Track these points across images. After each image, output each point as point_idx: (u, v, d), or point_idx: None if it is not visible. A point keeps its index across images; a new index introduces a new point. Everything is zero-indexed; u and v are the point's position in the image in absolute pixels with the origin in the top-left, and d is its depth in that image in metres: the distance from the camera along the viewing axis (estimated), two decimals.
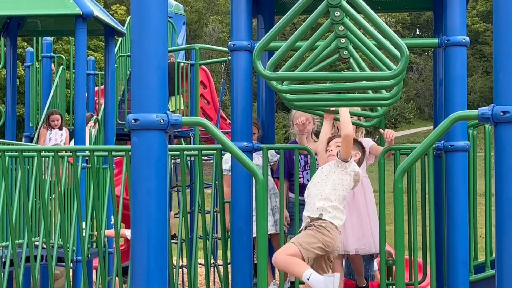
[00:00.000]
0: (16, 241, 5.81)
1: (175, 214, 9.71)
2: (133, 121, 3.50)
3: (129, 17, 12.04)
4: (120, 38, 11.49)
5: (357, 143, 5.12)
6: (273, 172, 6.01)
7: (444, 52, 5.21)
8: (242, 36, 5.17)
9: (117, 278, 5.64)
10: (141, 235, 3.55)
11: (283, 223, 5.65)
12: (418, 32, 64.74)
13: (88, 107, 10.51)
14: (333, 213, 4.74)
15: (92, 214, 6.69)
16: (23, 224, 6.30)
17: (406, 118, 55.79)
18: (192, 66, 11.30)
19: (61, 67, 11.65)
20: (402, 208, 3.90)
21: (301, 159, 5.83)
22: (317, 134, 6.16)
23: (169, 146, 4.24)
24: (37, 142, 10.30)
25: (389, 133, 5.41)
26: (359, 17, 4.04)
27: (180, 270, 9.38)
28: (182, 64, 11.46)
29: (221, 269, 5.65)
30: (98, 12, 8.65)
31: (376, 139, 5.74)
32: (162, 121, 3.50)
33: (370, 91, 4.97)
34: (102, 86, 10.38)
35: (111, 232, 7.50)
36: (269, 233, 5.55)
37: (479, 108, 3.54)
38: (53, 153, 5.77)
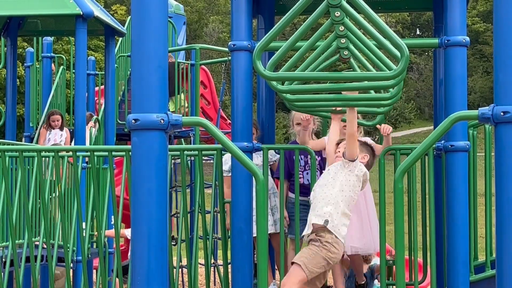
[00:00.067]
0: (16, 241, 5.81)
1: (173, 214, 9.70)
2: (133, 121, 3.50)
3: (129, 17, 12.04)
4: (120, 38, 11.49)
5: (366, 145, 5.04)
6: (273, 172, 6.01)
7: (444, 52, 5.21)
8: (242, 36, 5.17)
9: (117, 278, 5.65)
10: (142, 235, 3.54)
11: (283, 223, 5.65)
12: (418, 32, 64.73)
13: (88, 107, 10.50)
14: (339, 220, 4.63)
15: (92, 214, 6.69)
16: (23, 224, 6.30)
17: (406, 118, 55.79)
18: (192, 66, 11.30)
19: (61, 67, 11.65)
20: (402, 208, 3.89)
21: (301, 159, 5.83)
22: (317, 134, 6.16)
23: (169, 146, 4.24)
24: (37, 142, 10.30)
25: (386, 128, 5.40)
26: (359, 17, 4.04)
27: (180, 270, 9.38)
28: (182, 64, 11.46)
29: (221, 269, 5.66)
30: (98, 12, 8.64)
31: (376, 139, 5.73)
32: (162, 121, 3.50)
33: (372, 91, 4.95)
34: (102, 86, 10.38)
35: (111, 232, 7.50)
36: (268, 232, 5.55)
37: (479, 108, 3.54)
38: (53, 153, 5.78)
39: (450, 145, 5.15)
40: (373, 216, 5.51)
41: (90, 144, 9.15)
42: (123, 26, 9.94)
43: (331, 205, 4.65)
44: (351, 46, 4.41)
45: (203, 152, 5.48)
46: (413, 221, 5.56)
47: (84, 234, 6.42)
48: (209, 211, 5.71)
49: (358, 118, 5.43)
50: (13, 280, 6.81)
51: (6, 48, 9.58)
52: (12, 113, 9.59)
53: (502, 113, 3.41)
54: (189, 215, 6.57)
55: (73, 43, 10.19)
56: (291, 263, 4.70)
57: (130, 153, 4.22)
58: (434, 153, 5.40)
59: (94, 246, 7.90)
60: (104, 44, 9.53)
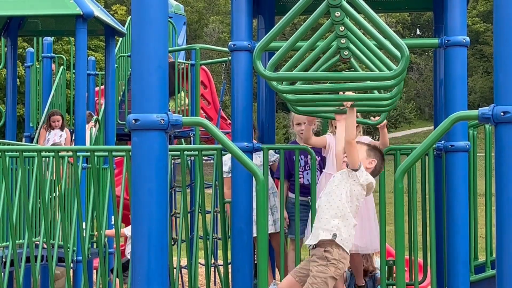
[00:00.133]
0: (17, 241, 5.81)
1: (173, 214, 9.70)
2: (133, 121, 3.50)
3: (129, 17, 12.04)
4: (121, 38, 11.49)
5: (374, 150, 4.86)
6: (273, 173, 6.01)
7: (445, 52, 5.21)
8: (242, 36, 5.17)
9: (117, 278, 5.65)
10: (142, 235, 3.55)
11: (283, 223, 5.65)
12: (418, 32, 64.74)
13: (89, 107, 10.50)
14: (347, 233, 4.53)
15: (93, 214, 6.69)
16: (24, 224, 6.30)
17: (406, 118, 55.81)
18: (193, 66, 11.31)
19: (62, 67, 11.65)
20: (403, 208, 3.89)
21: (301, 159, 5.83)
22: (317, 134, 6.16)
23: (170, 146, 4.24)
24: (37, 143, 10.30)
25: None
26: (360, 17, 4.04)
27: (180, 270, 9.38)
28: (182, 64, 11.47)
29: (222, 269, 5.66)
30: (99, 12, 8.65)
31: (376, 139, 5.73)
32: (162, 121, 3.50)
33: (376, 91, 4.94)
34: (103, 86, 10.39)
35: (111, 232, 7.50)
36: (268, 232, 5.55)
37: (479, 108, 3.54)
38: (53, 153, 5.78)
39: (450, 145, 5.15)
40: (373, 216, 5.51)
41: (90, 144, 9.15)
42: (123, 26, 9.95)
43: (338, 218, 4.53)
44: (352, 46, 4.41)
45: (203, 152, 5.48)
46: (413, 221, 5.56)
47: (84, 234, 6.43)
48: (209, 211, 5.71)
49: (357, 117, 5.43)
50: (13, 280, 6.81)
51: (6, 48, 9.59)
52: (12, 113, 9.59)
53: (502, 113, 3.41)
54: (189, 215, 6.57)
55: (73, 43, 10.20)
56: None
57: (130, 153, 4.22)
58: (434, 153, 5.40)
59: (94, 246, 7.91)
60: (104, 44, 9.54)
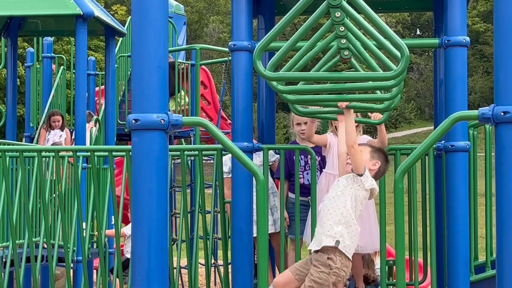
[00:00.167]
0: (17, 241, 5.82)
1: (172, 214, 9.71)
2: (133, 121, 3.50)
3: (129, 17, 12.04)
4: (121, 39, 11.49)
5: (379, 152, 4.82)
6: (272, 173, 6.01)
7: (445, 52, 5.21)
8: (242, 37, 5.17)
9: (117, 278, 5.65)
10: (142, 235, 3.55)
11: (283, 223, 5.65)
12: (418, 32, 64.74)
13: (89, 108, 10.51)
14: (350, 240, 4.50)
15: (93, 214, 6.69)
16: (24, 224, 6.30)
17: (406, 118, 55.83)
18: (193, 66, 11.31)
19: (62, 67, 11.65)
20: (403, 208, 3.89)
21: (301, 159, 5.83)
22: (317, 134, 6.15)
23: (170, 146, 4.24)
24: (37, 143, 10.31)
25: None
26: (360, 17, 4.04)
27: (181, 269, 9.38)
28: (182, 64, 11.47)
29: (222, 269, 5.66)
30: (99, 12, 8.65)
31: (375, 137, 5.73)
32: (162, 121, 3.50)
33: (378, 91, 4.93)
34: (103, 86, 10.39)
35: (111, 231, 7.51)
36: (268, 232, 5.55)
37: (479, 108, 3.54)
38: (53, 153, 5.78)
39: (450, 145, 5.15)
40: (373, 216, 5.51)
41: (90, 144, 9.15)
42: (124, 26, 9.95)
43: (342, 224, 4.50)
44: (352, 47, 4.41)
45: (203, 152, 5.48)
46: (413, 221, 5.56)
47: (84, 234, 6.43)
48: (209, 211, 5.71)
49: (357, 117, 5.43)
50: (13, 280, 6.81)
51: (6, 48, 9.59)
52: (13, 113, 9.59)
53: (502, 113, 3.41)
54: (189, 215, 6.57)
55: (73, 43, 10.20)
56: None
57: (130, 153, 4.22)
58: (435, 153, 5.40)
59: (95, 246, 7.91)
60: (104, 44, 9.54)
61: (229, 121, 12.59)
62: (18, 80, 11.08)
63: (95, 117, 9.98)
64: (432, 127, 6.01)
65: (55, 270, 6.37)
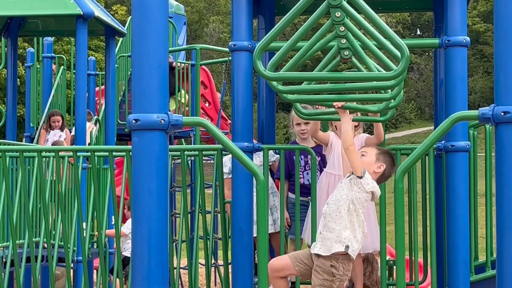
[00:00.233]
0: (17, 241, 5.82)
1: (172, 215, 9.71)
2: (134, 121, 3.51)
3: (129, 17, 12.05)
4: (121, 39, 11.49)
5: (385, 154, 4.73)
6: (272, 173, 6.01)
7: (445, 52, 5.21)
8: (242, 37, 5.17)
9: (117, 278, 5.65)
10: (142, 235, 3.55)
11: (283, 223, 5.65)
12: (418, 33, 64.76)
13: (89, 108, 10.51)
14: (357, 244, 4.51)
15: (93, 214, 6.69)
16: (24, 224, 6.30)
17: (406, 118, 55.84)
18: (193, 66, 11.31)
19: (62, 67, 11.66)
20: (403, 208, 3.89)
21: (301, 159, 5.83)
22: None
23: (170, 146, 4.24)
24: (37, 143, 10.31)
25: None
26: (360, 17, 4.04)
27: (181, 270, 9.38)
28: (182, 64, 11.47)
29: (222, 269, 5.66)
30: (99, 12, 8.65)
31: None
32: (163, 122, 3.50)
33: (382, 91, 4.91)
34: (103, 87, 10.39)
35: (112, 231, 7.51)
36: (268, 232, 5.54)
37: (479, 109, 3.54)
38: (53, 153, 5.78)
39: (450, 145, 5.15)
40: (373, 216, 5.51)
41: (90, 144, 9.15)
42: (124, 26, 9.95)
43: (348, 229, 4.49)
44: (352, 46, 4.41)
45: (204, 152, 5.48)
46: (413, 221, 5.56)
47: (84, 234, 6.43)
48: (209, 211, 5.71)
49: (357, 116, 5.42)
50: (13, 280, 6.81)
51: (6, 48, 9.59)
52: (13, 113, 9.60)
53: (502, 113, 3.41)
54: (189, 215, 6.57)
55: (74, 44, 10.20)
56: None
57: (130, 153, 4.22)
58: (435, 153, 5.40)
59: (95, 246, 7.91)
60: (104, 44, 9.54)
61: (229, 121, 12.60)
62: (18, 80, 11.09)
63: (95, 117, 9.98)
64: (432, 127, 6.02)
65: (55, 270, 6.37)
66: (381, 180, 4.71)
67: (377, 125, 5.45)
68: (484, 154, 6.11)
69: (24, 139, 11.03)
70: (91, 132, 9.44)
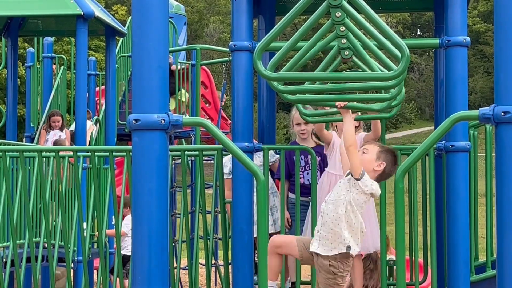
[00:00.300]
0: (17, 241, 5.82)
1: (173, 215, 9.71)
2: (134, 121, 3.50)
3: (130, 17, 12.05)
4: (121, 39, 11.49)
5: (386, 152, 4.68)
6: (272, 173, 6.01)
7: (445, 53, 5.21)
8: (243, 37, 5.17)
9: (117, 278, 5.65)
10: (142, 235, 3.55)
11: (283, 224, 5.65)
12: (419, 33, 64.76)
13: (89, 108, 10.51)
14: (355, 243, 4.52)
15: (93, 214, 6.69)
16: (24, 224, 6.30)
17: (407, 119, 55.84)
18: (193, 66, 11.32)
19: (62, 67, 11.66)
20: (403, 208, 3.89)
21: (301, 159, 5.83)
22: (316, 134, 6.16)
23: (170, 146, 4.24)
24: (37, 143, 10.31)
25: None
26: (360, 17, 4.04)
27: (181, 270, 9.37)
28: (182, 64, 11.48)
29: (222, 269, 5.66)
30: (99, 12, 8.65)
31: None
32: (163, 122, 3.50)
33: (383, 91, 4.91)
34: (103, 87, 10.39)
35: (112, 231, 7.51)
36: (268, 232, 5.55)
37: (480, 109, 3.54)
38: (54, 153, 5.78)
39: (450, 145, 5.15)
40: (373, 215, 5.51)
41: (90, 145, 9.15)
42: (124, 26, 9.95)
43: (347, 229, 4.50)
44: (352, 46, 4.41)
45: (204, 152, 5.48)
46: (413, 221, 5.56)
47: (84, 234, 6.43)
48: (209, 212, 5.71)
49: (358, 115, 5.42)
50: (13, 280, 6.81)
51: (7, 49, 9.59)
52: (13, 113, 9.60)
53: (503, 113, 3.41)
54: (189, 215, 6.56)
55: (74, 44, 10.21)
56: None
57: (131, 153, 4.22)
58: (435, 153, 5.40)
59: (95, 246, 7.91)
60: (104, 44, 9.54)
61: (229, 121, 12.60)
62: (18, 80, 11.09)
63: (95, 117, 9.98)
64: (432, 127, 6.01)
65: (56, 270, 6.37)
66: (381, 178, 4.69)
67: (375, 122, 5.44)
68: (484, 154, 6.11)
69: (24, 139, 11.03)
70: (91, 133, 9.43)
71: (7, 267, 6.01)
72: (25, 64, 11.73)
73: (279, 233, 5.68)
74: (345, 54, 4.47)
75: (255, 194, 4.88)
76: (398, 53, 3.99)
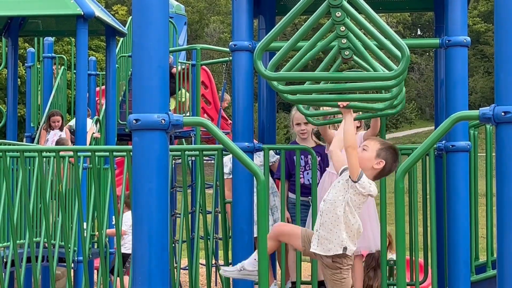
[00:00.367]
0: (18, 241, 5.82)
1: (173, 215, 9.71)
2: (134, 121, 3.50)
3: (130, 17, 12.05)
4: (121, 39, 11.50)
5: (387, 150, 4.62)
6: (272, 173, 6.01)
7: (445, 53, 5.21)
8: (243, 37, 5.17)
9: (117, 278, 5.65)
10: (143, 235, 3.55)
11: None
12: (419, 33, 64.76)
13: (89, 108, 10.52)
14: (352, 243, 4.52)
15: (93, 214, 6.69)
16: (25, 224, 6.30)
17: (407, 119, 55.81)
18: (193, 66, 11.32)
19: (62, 67, 11.66)
20: (403, 208, 3.89)
21: (301, 159, 5.83)
22: (317, 135, 6.16)
23: (170, 146, 4.25)
24: (38, 143, 10.31)
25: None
26: (360, 17, 4.04)
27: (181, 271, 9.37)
28: (182, 64, 11.48)
29: None
30: (99, 12, 8.65)
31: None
32: (163, 121, 3.50)
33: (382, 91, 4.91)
34: (103, 87, 10.40)
35: (112, 231, 7.51)
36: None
37: (480, 108, 3.54)
38: (54, 153, 5.78)
39: (451, 145, 5.15)
40: (374, 215, 5.51)
41: (90, 145, 9.16)
42: (124, 27, 9.96)
43: (344, 230, 4.50)
44: (352, 46, 4.41)
45: (204, 152, 5.48)
46: (414, 221, 5.56)
47: (85, 234, 6.43)
48: (210, 212, 5.71)
49: (359, 114, 5.42)
50: (14, 280, 6.81)
51: (7, 48, 9.59)
52: (13, 113, 9.60)
53: (503, 113, 3.41)
54: (189, 215, 6.56)
55: (74, 44, 10.21)
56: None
57: (131, 153, 4.22)
58: (435, 153, 5.40)
59: (95, 246, 7.91)
60: (105, 44, 9.55)
61: (229, 121, 12.61)
62: (18, 80, 11.10)
63: (95, 117, 9.99)
64: (432, 127, 6.01)
65: (56, 270, 6.37)
66: (381, 175, 4.67)
67: (376, 119, 5.44)
68: (484, 154, 6.11)
69: (24, 139, 11.04)
70: (92, 135, 9.44)
71: (7, 267, 6.01)
72: (26, 64, 11.74)
73: None
74: (346, 54, 4.47)
75: (255, 194, 4.89)
76: (398, 53, 3.99)
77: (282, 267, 5.65)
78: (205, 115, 12.49)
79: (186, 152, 5.62)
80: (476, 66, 57.59)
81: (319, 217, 4.61)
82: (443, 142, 5.21)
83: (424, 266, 5.87)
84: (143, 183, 3.55)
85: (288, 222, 5.80)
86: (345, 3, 3.98)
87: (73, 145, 9.36)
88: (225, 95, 12.32)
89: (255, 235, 5.01)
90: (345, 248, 4.50)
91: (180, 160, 5.79)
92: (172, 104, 11.40)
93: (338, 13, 4.04)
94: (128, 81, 12.31)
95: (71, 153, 5.95)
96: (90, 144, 9.20)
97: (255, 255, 4.70)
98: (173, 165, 9.42)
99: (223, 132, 5.35)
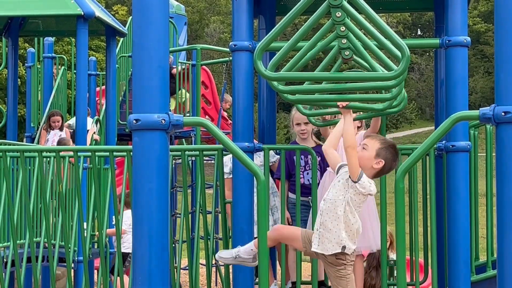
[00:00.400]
0: (18, 242, 5.81)
1: (173, 215, 9.71)
2: (134, 121, 3.51)
3: (130, 17, 12.05)
4: (122, 39, 11.50)
5: (387, 149, 4.61)
6: (272, 173, 6.01)
7: (446, 53, 5.21)
8: (243, 37, 5.17)
9: (118, 277, 5.65)
10: (143, 235, 3.55)
11: (284, 223, 5.65)
12: (419, 33, 64.75)
13: (89, 108, 10.52)
14: (351, 242, 4.54)
15: (94, 214, 6.69)
16: (25, 224, 6.30)
17: (407, 119, 55.80)
18: (194, 66, 11.32)
19: (62, 67, 11.66)
20: (404, 208, 3.89)
21: (302, 159, 5.83)
22: (317, 135, 6.16)
23: (170, 146, 4.25)
24: (38, 143, 10.31)
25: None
26: (360, 17, 4.04)
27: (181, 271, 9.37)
28: (182, 64, 11.48)
29: (223, 269, 5.65)
30: (99, 12, 8.65)
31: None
32: (163, 122, 3.51)
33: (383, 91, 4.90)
34: (104, 87, 10.40)
35: (112, 230, 7.51)
36: None
37: (480, 109, 3.54)
38: (54, 154, 5.78)
39: (451, 145, 5.15)
40: (374, 215, 5.51)
41: (90, 144, 9.16)
42: (124, 27, 9.96)
43: (343, 229, 4.51)
44: (352, 46, 4.41)
45: (204, 152, 5.48)
46: (414, 221, 5.56)
47: (85, 234, 6.43)
48: (210, 212, 5.72)
49: (360, 114, 5.42)
50: (14, 281, 6.81)
51: (7, 49, 9.59)
52: (13, 113, 9.60)
53: (503, 113, 3.41)
54: (190, 215, 6.57)
55: (74, 44, 10.21)
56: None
57: (131, 153, 4.22)
58: (435, 153, 5.40)
59: (95, 246, 7.91)
60: (105, 44, 9.55)
61: (229, 121, 12.61)
62: (19, 80, 11.10)
63: (96, 117, 9.99)
64: (433, 127, 6.01)
65: (56, 270, 6.37)
66: (381, 174, 4.68)
67: (377, 118, 5.44)
68: (484, 154, 6.11)
69: (24, 139, 11.04)
70: (92, 136, 9.44)
71: (7, 267, 6.01)
72: (26, 64, 11.74)
73: None
74: (346, 54, 4.47)
75: (255, 194, 4.90)
76: (398, 53, 3.99)
77: (282, 267, 5.65)
78: (206, 115, 12.50)
79: (186, 152, 5.61)
80: (476, 66, 57.59)
81: (319, 216, 4.62)
82: (443, 142, 5.21)
83: (424, 266, 5.88)
84: (143, 183, 3.55)
85: (288, 222, 5.80)
86: (345, 3, 3.98)
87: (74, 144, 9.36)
88: (227, 97, 12.32)
89: (255, 235, 5.01)
90: (343, 247, 4.51)
91: (180, 160, 5.79)
92: (172, 104, 11.40)
93: (338, 13, 4.04)
94: (128, 81, 12.31)
95: (71, 153, 5.95)
96: (90, 145, 9.20)
97: (251, 245, 4.76)
98: (173, 165, 9.42)
99: (223, 132, 5.35)
